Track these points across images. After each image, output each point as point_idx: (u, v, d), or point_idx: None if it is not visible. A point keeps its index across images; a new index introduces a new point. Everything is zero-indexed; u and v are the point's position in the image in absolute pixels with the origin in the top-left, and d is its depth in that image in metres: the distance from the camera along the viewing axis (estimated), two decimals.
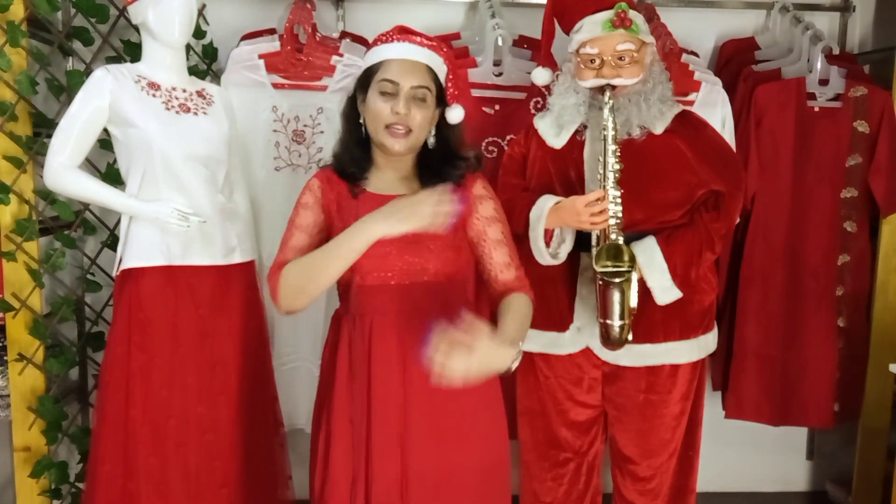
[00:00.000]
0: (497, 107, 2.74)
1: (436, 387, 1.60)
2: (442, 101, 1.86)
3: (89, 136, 2.23)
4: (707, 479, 2.55)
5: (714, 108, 2.73)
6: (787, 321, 2.84)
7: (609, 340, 2.07)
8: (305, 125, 2.71)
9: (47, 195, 2.57)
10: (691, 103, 2.68)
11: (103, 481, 2.22)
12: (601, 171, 2.06)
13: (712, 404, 2.74)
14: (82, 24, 2.69)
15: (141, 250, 2.23)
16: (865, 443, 2.92)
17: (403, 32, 1.82)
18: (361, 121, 1.83)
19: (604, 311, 2.05)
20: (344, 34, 2.83)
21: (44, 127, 2.60)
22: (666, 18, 2.80)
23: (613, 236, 2.04)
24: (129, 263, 2.24)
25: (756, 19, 3.09)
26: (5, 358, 2.62)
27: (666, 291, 2.11)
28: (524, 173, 2.28)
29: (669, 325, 2.17)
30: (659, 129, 2.13)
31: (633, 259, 2.03)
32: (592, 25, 2.07)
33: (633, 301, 2.05)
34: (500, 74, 2.73)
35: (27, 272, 2.54)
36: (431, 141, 1.86)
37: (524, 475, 2.38)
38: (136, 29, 2.37)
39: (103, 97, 2.19)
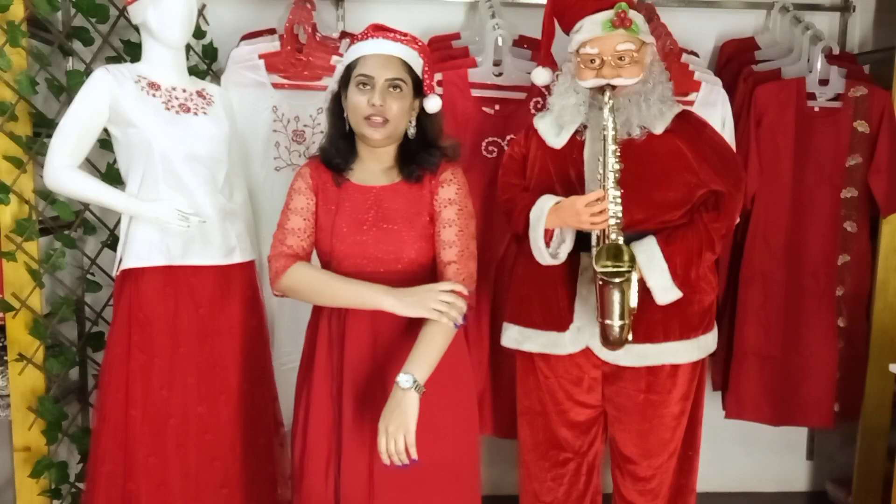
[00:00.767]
0: (497, 107, 2.74)
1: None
2: (420, 93, 1.94)
3: (89, 136, 2.23)
4: (707, 479, 2.55)
5: (714, 108, 2.73)
6: (787, 321, 2.85)
7: (609, 340, 2.07)
8: (305, 125, 2.72)
9: (47, 195, 2.57)
10: (691, 103, 2.68)
11: (103, 481, 2.23)
12: (601, 171, 2.06)
13: (712, 404, 2.74)
14: (82, 24, 2.69)
15: (141, 250, 2.23)
16: (865, 443, 2.92)
17: (378, 30, 1.92)
18: (345, 115, 1.93)
19: (604, 311, 2.05)
20: (344, 34, 2.83)
21: (44, 127, 2.60)
22: (666, 18, 2.80)
23: (613, 236, 2.04)
24: (128, 263, 2.24)
25: (756, 19, 3.09)
26: (5, 358, 2.62)
27: (666, 291, 2.11)
28: (524, 173, 2.28)
29: (669, 325, 2.17)
30: (659, 129, 2.13)
31: (633, 259, 2.03)
32: (592, 25, 2.07)
33: (633, 301, 2.05)
34: (500, 74, 2.73)
35: (27, 272, 2.54)
36: (412, 131, 1.95)
37: (524, 475, 2.38)
38: (136, 29, 2.37)
39: (103, 97, 2.20)
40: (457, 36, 2.90)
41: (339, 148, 1.94)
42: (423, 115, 1.96)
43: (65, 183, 2.21)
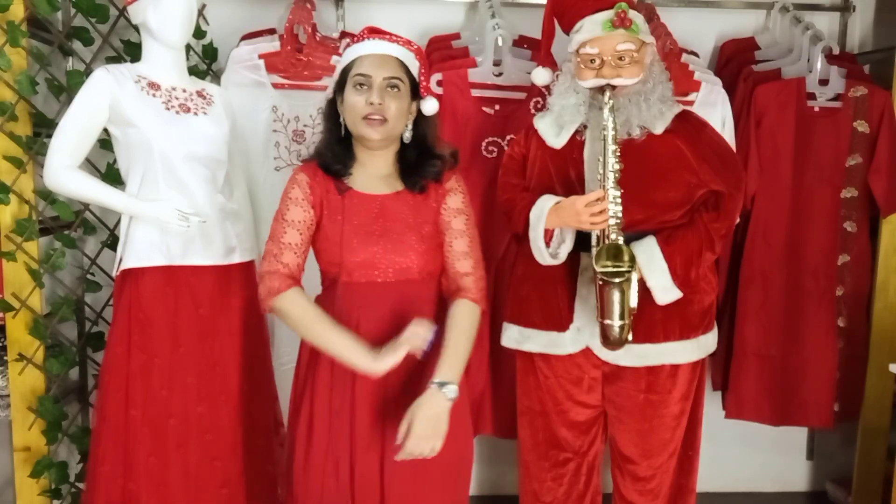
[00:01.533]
0: (497, 107, 2.74)
1: (415, 382, 1.83)
2: (416, 95, 1.93)
3: (89, 136, 2.23)
4: (707, 479, 2.55)
5: (714, 108, 2.73)
6: (787, 321, 2.85)
7: (609, 340, 2.07)
8: (305, 125, 2.72)
9: (47, 195, 2.57)
10: (691, 103, 2.68)
11: (103, 481, 2.23)
12: (601, 171, 2.06)
13: (712, 404, 2.74)
14: (82, 24, 2.69)
15: (141, 250, 2.23)
16: (865, 443, 2.92)
17: (373, 32, 1.92)
18: (341, 120, 1.91)
19: (604, 311, 2.05)
20: (344, 34, 2.83)
21: (44, 127, 2.60)
22: (666, 18, 2.81)
23: (613, 236, 2.04)
24: (128, 263, 2.24)
25: (756, 19, 3.09)
26: (5, 358, 2.62)
27: (666, 291, 2.11)
28: (524, 173, 2.28)
29: (669, 326, 2.17)
30: (659, 129, 2.13)
31: (633, 259, 2.03)
32: (592, 25, 2.07)
33: (633, 301, 2.05)
34: (500, 74, 2.73)
35: (27, 272, 2.54)
36: (407, 136, 1.93)
37: (524, 475, 2.38)
38: (136, 29, 2.37)
39: (103, 97, 2.19)
40: (457, 36, 2.90)
41: (336, 152, 1.91)
42: (419, 119, 1.95)
43: (65, 183, 2.21)
